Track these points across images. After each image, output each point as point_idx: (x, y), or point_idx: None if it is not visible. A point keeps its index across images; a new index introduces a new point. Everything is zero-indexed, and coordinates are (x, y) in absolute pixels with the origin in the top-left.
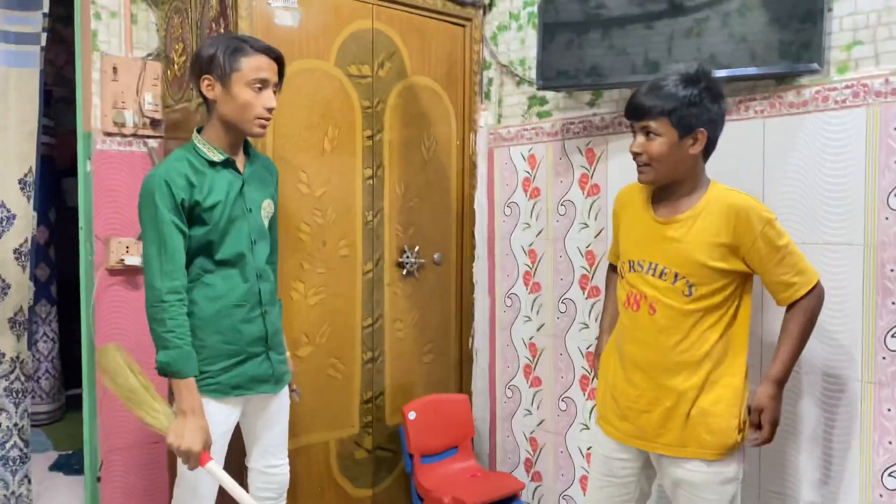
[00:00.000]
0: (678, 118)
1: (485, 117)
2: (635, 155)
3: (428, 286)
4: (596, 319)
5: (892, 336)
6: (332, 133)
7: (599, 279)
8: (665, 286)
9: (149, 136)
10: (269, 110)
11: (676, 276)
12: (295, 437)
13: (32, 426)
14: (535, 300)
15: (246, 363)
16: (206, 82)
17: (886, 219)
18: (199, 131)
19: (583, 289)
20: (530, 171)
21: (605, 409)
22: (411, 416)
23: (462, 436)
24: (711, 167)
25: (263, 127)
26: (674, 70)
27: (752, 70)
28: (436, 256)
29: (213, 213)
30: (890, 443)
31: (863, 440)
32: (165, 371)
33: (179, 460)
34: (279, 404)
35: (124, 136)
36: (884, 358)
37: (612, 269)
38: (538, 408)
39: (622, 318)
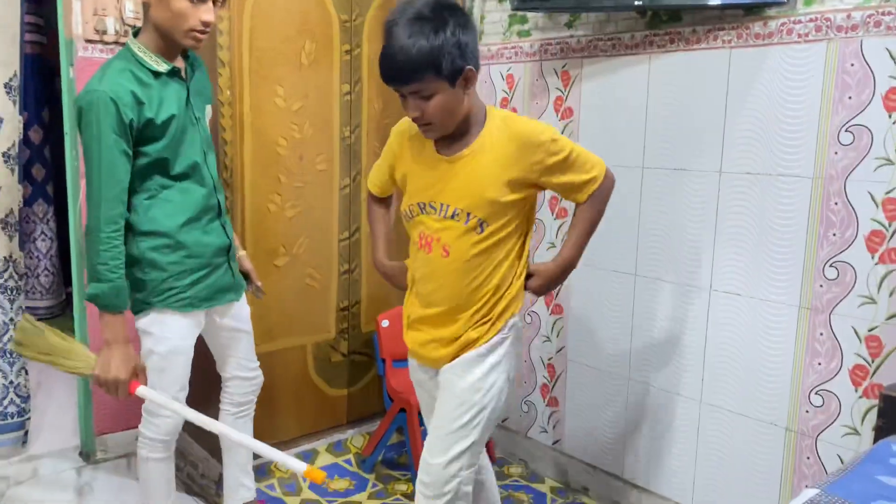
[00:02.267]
0: (446, 68)
1: None
2: (415, 118)
3: None
4: (561, 240)
5: (830, 266)
6: (309, 47)
7: (568, 202)
8: (458, 226)
9: None
10: (206, 24)
11: (469, 215)
12: (273, 341)
13: None
14: None
15: (211, 275)
16: None
17: (836, 153)
18: (135, 35)
19: (552, 210)
20: (508, 91)
21: (410, 340)
22: (384, 324)
23: None
24: (678, 96)
25: (198, 41)
26: (400, 12)
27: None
28: None
29: (167, 127)
30: (819, 363)
31: (796, 361)
32: (95, 303)
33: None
34: (243, 311)
35: (106, 43)
36: (821, 286)
37: (374, 198)
38: None
39: (415, 259)
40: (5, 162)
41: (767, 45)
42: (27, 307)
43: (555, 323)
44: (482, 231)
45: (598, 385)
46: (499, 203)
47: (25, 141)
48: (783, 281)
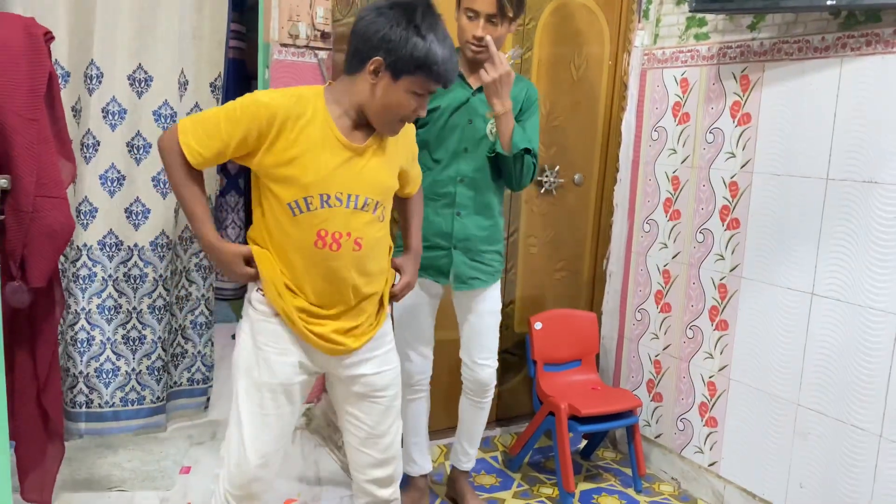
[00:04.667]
0: None
1: (641, 37)
2: (479, 40)
3: (566, 206)
4: (733, 252)
5: None
6: None
7: (740, 211)
8: (367, 216)
9: (319, 48)
10: (478, 39)
11: (377, 204)
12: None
13: (219, 299)
14: (673, 228)
15: (430, 250)
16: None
17: None
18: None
19: (723, 220)
20: (681, 96)
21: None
22: (537, 326)
23: (587, 350)
24: (872, 103)
25: (475, 52)
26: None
27: None
28: (577, 177)
29: (433, 114)
30: None
31: None
32: None
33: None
34: (479, 306)
35: (297, 47)
36: None
37: (190, 169)
38: (665, 333)
39: (304, 258)
40: None
41: None
42: (216, 287)
43: (719, 339)
44: (383, 219)
45: (763, 408)
46: (392, 189)
47: None
48: None
